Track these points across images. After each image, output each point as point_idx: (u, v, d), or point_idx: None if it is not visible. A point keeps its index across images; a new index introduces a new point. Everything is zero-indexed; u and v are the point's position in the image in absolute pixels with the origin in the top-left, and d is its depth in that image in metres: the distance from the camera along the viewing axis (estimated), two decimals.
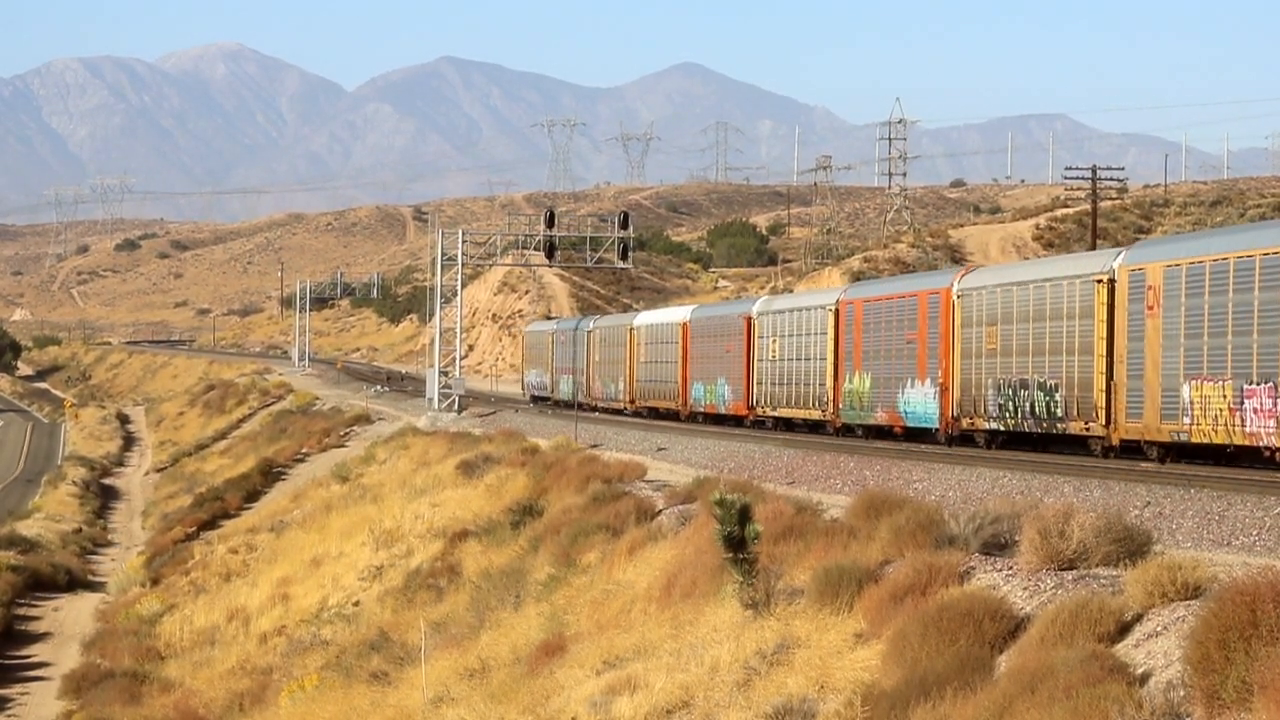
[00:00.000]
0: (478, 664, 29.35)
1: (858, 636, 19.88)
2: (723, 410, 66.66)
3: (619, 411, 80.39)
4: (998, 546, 21.27)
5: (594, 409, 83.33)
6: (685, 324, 72.54)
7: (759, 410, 62.54)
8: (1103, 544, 19.36)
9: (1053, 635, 16.65)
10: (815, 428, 58.03)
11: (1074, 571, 19.10)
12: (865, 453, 44.88)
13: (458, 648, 31.44)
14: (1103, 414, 39.59)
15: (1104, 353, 39.61)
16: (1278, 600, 14.10)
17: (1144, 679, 15.32)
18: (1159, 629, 16.33)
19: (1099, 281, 40.09)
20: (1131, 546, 19.38)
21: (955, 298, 47.54)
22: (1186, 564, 17.27)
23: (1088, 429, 40.48)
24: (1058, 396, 41.78)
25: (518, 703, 24.74)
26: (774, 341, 61.22)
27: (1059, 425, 41.89)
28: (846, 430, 54.84)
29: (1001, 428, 44.96)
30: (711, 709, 20.29)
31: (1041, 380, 42.62)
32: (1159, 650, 15.84)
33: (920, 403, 49.32)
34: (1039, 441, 43.82)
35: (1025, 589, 19.05)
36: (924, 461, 40.51)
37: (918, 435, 49.96)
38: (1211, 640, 14.13)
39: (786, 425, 60.45)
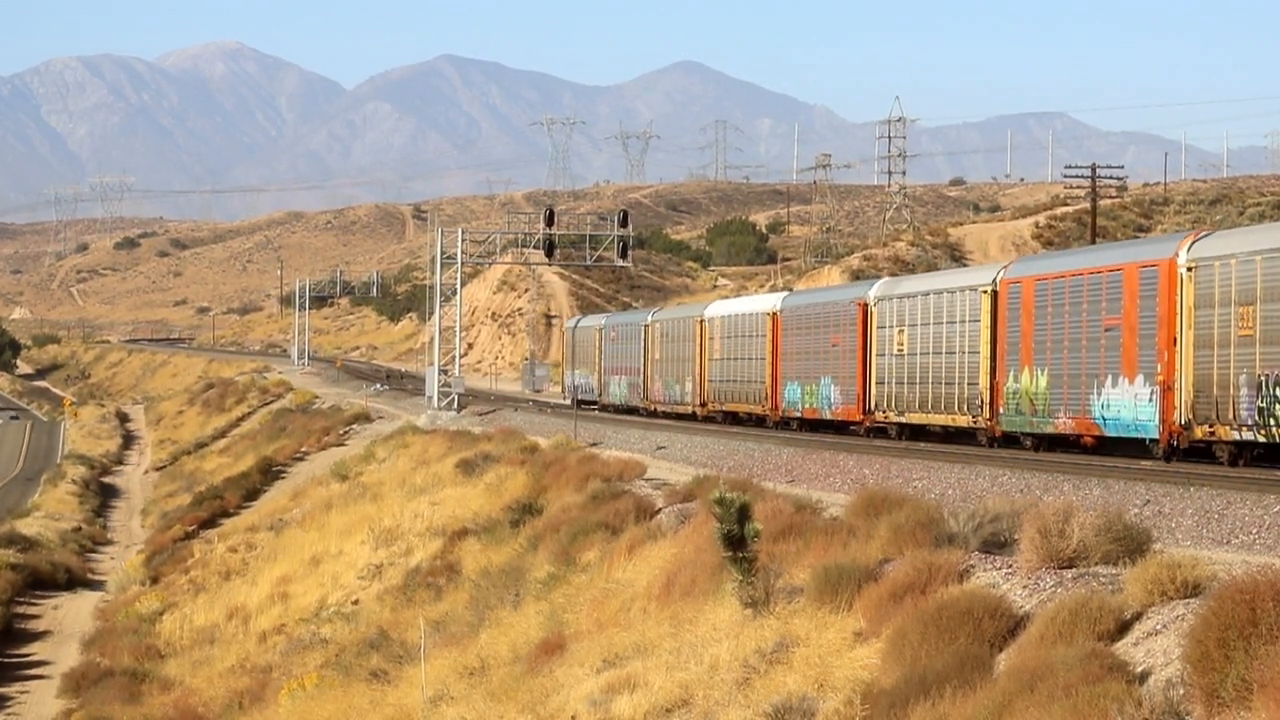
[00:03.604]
0: (477, 662, 29.35)
1: (857, 635, 19.89)
2: (827, 415, 57.04)
3: (687, 417, 70.98)
4: (997, 545, 21.28)
5: (654, 413, 75.61)
6: (775, 314, 62.49)
7: (879, 415, 53.03)
8: (1102, 542, 19.36)
9: (1052, 633, 16.65)
10: (957, 437, 48.85)
11: (1073, 570, 19.09)
12: (865, 451, 44.79)
13: (457, 646, 31.44)
14: None
15: None
16: (1277, 599, 14.10)
17: (1143, 677, 15.32)
18: (1158, 627, 16.33)
19: None
20: (1131, 545, 19.38)
21: (1184, 270, 37.32)
22: (1186, 562, 17.27)
23: None
24: None
25: (517, 701, 24.75)
26: (900, 332, 51.98)
27: None
28: (1008, 440, 45.14)
29: (1261, 438, 34.92)
30: (711, 707, 20.29)
31: None
32: (1158, 648, 15.84)
33: (1127, 406, 39.20)
34: None
35: (1025, 587, 19.06)
36: (923, 460, 40.47)
37: (1119, 447, 40.24)
38: (1211, 638, 14.13)
39: (916, 433, 51.17)
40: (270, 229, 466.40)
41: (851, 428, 55.30)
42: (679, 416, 71.96)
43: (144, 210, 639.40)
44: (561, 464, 48.08)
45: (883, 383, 52.85)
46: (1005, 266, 47.84)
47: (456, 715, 26.12)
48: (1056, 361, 42.40)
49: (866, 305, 54.49)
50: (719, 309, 70.93)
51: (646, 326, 78.42)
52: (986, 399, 46.33)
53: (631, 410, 79.28)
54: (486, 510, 47.16)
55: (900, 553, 21.60)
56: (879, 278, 73.84)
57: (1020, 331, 44.30)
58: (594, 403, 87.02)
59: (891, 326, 52.57)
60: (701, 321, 70.44)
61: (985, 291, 46.82)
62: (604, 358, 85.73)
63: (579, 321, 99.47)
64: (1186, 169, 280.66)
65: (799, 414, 59.49)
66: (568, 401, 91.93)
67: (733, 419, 66.56)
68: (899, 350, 51.92)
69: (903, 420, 51.66)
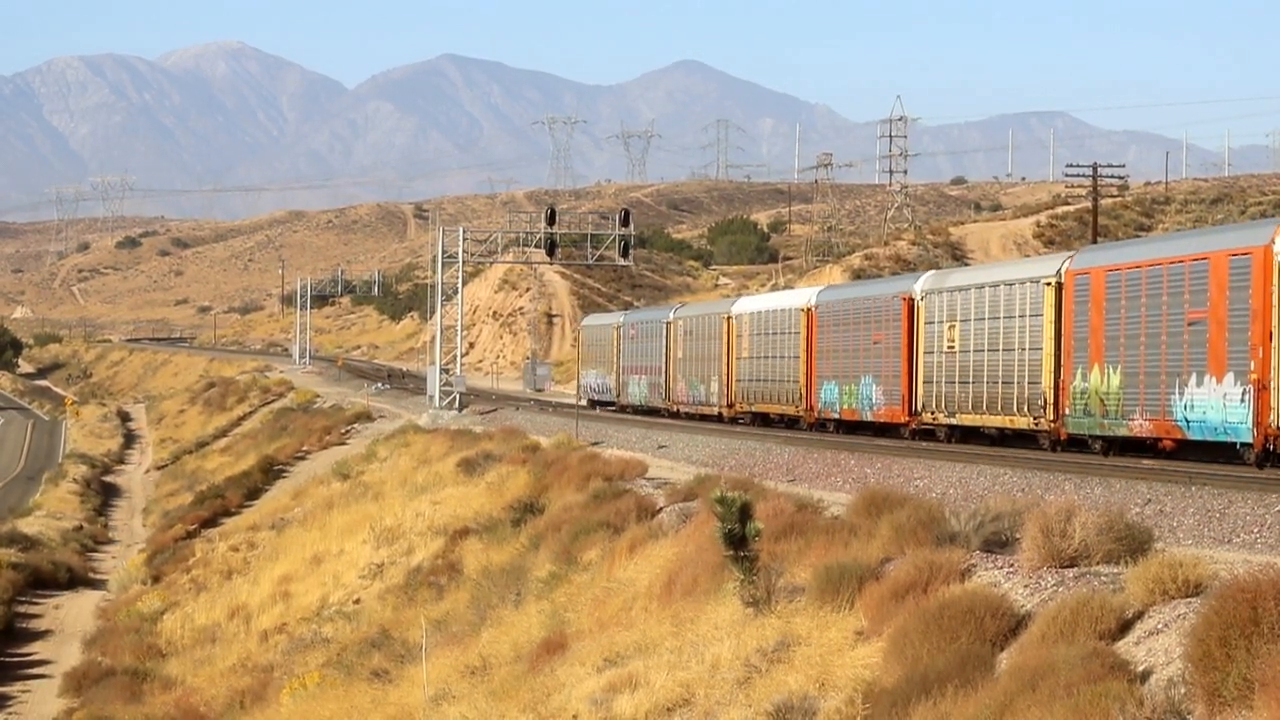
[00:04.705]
0: (479, 662, 29.36)
1: (858, 634, 19.88)
2: (868, 416, 53.48)
3: (713, 418, 67.46)
4: (999, 544, 21.26)
5: (676, 414, 72.35)
6: (809, 309, 58.79)
7: (927, 416, 49.51)
8: (1104, 542, 19.35)
9: (1054, 633, 16.65)
10: (1014, 440, 45.23)
11: (1075, 569, 19.09)
12: (866, 450, 44.73)
13: (459, 645, 31.45)
14: None
15: None
16: (1279, 598, 14.09)
17: (1145, 676, 15.31)
18: (1160, 626, 16.33)
19: None
20: (1133, 544, 19.38)
21: None
22: (1187, 561, 17.27)
23: None
24: None
25: (519, 700, 24.74)
26: (950, 328, 48.38)
27: None
28: (1073, 443, 41.77)
29: None
30: (712, 707, 20.29)
31: None
32: (1160, 648, 15.83)
33: (1214, 407, 35.48)
34: None
35: (1026, 586, 19.05)
36: (925, 459, 40.45)
37: (1203, 452, 36.53)
38: (1212, 638, 14.12)
39: (968, 435, 47.59)
40: (272, 228, 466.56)
41: (896, 430, 51.83)
42: (705, 418, 68.77)
43: (145, 209, 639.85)
44: (563, 463, 48.06)
45: (930, 382, 49.41)
46: (1070, 256, 43.89)
47: (458, 714, 26.12)
48: (1131, 359, 38.78)
49: (912, 299, 51.01)
50: (748, 305, 67.46)
51: (669, 324, 74.87)
52: (1050, 399, 42.83)
53: (652, 411, 76.22)
54: (488, 509, 47.15)
55: (902, 552, 21.60)
56: (880, 276, 72.09)
57: (1089, 326, 40.69)
58: (610, 403, 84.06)
59: (941, 322, 49.05)
60: (729, 318, 66.94)
61: (1049, 283, 43.26)
62: (622, 357, 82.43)
63: (594, 319, 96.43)
64: (1188, 168, 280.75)
65: (836, 415, 55.96)
66: (583, 402, 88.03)
67: (762, 420, 62.98)
68: (949, 347, 48.43)
69: (953, 422, 48.21)
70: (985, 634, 17.72)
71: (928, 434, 49.67)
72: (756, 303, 67.68)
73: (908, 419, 50.83)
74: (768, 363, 62.32)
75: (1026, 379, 44.13)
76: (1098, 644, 16.01)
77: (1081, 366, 40.85)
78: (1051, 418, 42.66)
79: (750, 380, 64.13)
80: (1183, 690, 14.53)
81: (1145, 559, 17.99)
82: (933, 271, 57.46)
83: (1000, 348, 45.62)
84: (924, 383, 49.78)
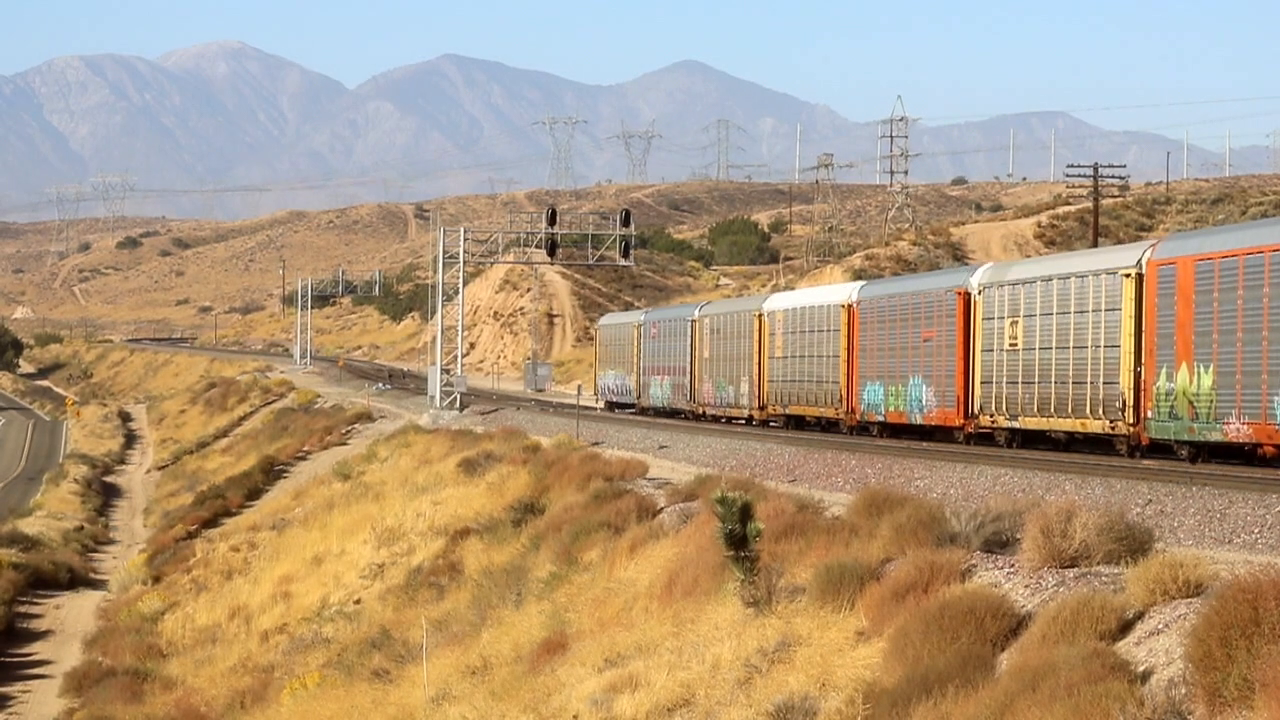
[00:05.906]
0: (479, 662, 29.38)
1: (859, 634, 19.89)
2: (917, 419, 50.30)
3: (742, 420, 65.07)
4: (999, 544, 21.27)
5: (701, 416, 69.96)
6: (850, 306, 55.72)
7: (985, 419, 46.19)
8: (1104, 542, 19.35)
9: (1054, 633, 16.65)
10: (1084, 445, 42.43)
11: (1075, 569, 19.09)
12: (867, 450, 44.72)
13: (459, 646, 31.47)
14: None
15: None
16: (1279, 598, 14.09)
17: (1145, 677, 15.31)
18: (1160, 627, 16.33)
19: None
20: (1133, 544, 19.38)
21: None
22: (1188, 562, 17.27)
23: None
24: None
25: (519, 700, 24.75)
26: (1012, 324, 45.06)
27: None
28: (1156, 449, 38.31)
29: None
30: (713, 707, 20.30)
31: None
32: (1160, 648, 15.83)
33: None
34: None
35: (1027, 587, 19.06)
36: (925, 459, 40.42)
37: None
38: (1213, 638, 14.12)
39: (1031, 439, 44.33)
40: (272, 228, 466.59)
41: (949, 434, 48.93)
42: (734, 420, 66.37)
43: (146, 210, 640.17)
44: (563, 463, 48.07)
45: (989, 382, 46.04)
46: (1153, 245, 40.19)
47: (458, 714, 26.14)
48: (1227, 357, 35.03)
49: (968, 294, 47.76)
50: (781, 301, 64.55)
51: (693, 322, 71.89)
52: (1129, 400, 39.38)
53: (675, 413, 73.98)
54: (489, 509, 47.16)
55: (902, 552, 21.59)
56: (881, 276, 71.32)
57: (1175, 321, 36.98)
58: (630, 405, 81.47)
59: (1001, 317, 45.76)
60: (760, 315, 63.81)
61: (1128, 275, 39.81)
62: (643, 356, 79.49)
63: (612, 318, 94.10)
64: (1189, 168, 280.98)
65: (881, 418, 52.80)
66: (599, 404, 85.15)
67: (797, 423, 60.11)
68: (1011, 345, 45.14)
69: (1015, 425, 44.87)
70: (986, 634, 17.73)
71: (985, 438, 46.65)
72: (791, 299, 64.79)
73: (963, 422, 47.84)
74: (804, 362, 59.31)
75: (1101, 379, 40.76)
76: (1098, 644, 16.01)
77: (1167, 365, 37.29)
78: (1131, 421, 39.36)
79: (784, 381, 60.99)
80: (1183, 690, 14.54)
81: (1146, 559, 17.99)
82: (991, 263, 54.82)
83: (1071, 345, 42.24)
84: (982, 383, 46.59)
